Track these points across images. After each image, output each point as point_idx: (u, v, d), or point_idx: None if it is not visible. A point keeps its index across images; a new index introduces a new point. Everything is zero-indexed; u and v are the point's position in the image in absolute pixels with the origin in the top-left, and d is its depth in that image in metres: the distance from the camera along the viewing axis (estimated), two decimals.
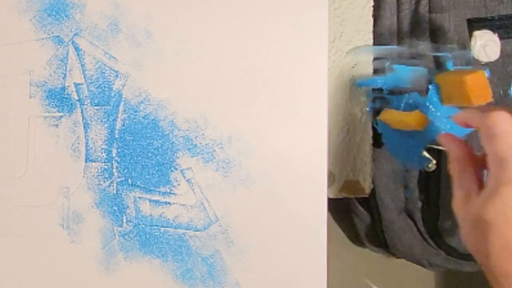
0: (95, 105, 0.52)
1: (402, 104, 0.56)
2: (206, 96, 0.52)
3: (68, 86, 0.52)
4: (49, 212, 0.52)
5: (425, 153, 0.56)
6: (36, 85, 0.52)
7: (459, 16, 0.58)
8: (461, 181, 0.45)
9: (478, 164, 0.46)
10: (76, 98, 0.52)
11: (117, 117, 0.53)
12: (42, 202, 0.52)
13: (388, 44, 0.59)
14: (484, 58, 0.53)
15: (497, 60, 0.54)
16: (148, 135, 0.53)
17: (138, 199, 0.52)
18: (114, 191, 0.52)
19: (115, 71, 0.53)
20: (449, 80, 0.54)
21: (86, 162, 0.52)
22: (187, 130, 0.53)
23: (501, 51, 0.54)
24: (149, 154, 0.52)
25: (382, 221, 0.64)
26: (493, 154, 0.42)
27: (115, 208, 0.52)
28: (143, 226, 0.52)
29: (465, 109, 0.47)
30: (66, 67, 0.52)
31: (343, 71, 0.56)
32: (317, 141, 0.53)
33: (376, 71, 0.57)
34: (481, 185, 0.44)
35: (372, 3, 0.57)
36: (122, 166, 0.52)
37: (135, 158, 0.52)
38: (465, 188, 0.45)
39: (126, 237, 0.52)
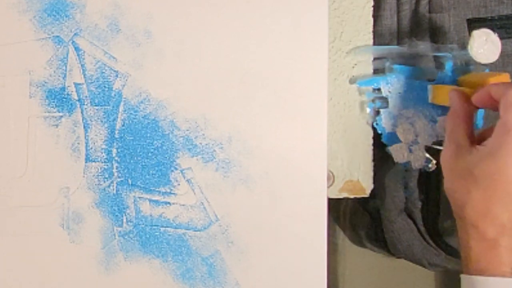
0: (95, 105, 0.52)
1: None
2: (206, 96, 0.52)
3: (68, 86, 0.52)
4: (49, 212, 0.52)
5: (425, 153, 0.56)
6: (36, 85, 0.52)
7: (459, 16, 0.58)
8: (454, 135, 0.49)
9: (472, 122, 0.50)
10: (76, 98, 0.52)
11: (117, 117, 0.53)
12: (42, 202, 0.52)
13: (388, 44, 0.59)
14: (482, 59, 0.53)
15: (497, 60, 0.54)
16: (148, 135, 0.53)
17: (138, 199, 0.52)
18: (114, 191, 0.52)
19: (115, 71, 0.53)
20: (472, 83, 0.53)
21: (86, 162, 0.52)
22: (187, 130, 0.53)
23: (501, 51, 0.53)
24: (149, 154, 0.52)
25: (382, 221, 0.64)
26: (505, 120, 0.45)
27: (115, 208, 0.52)
28: (143, 226, 0.52)
29: (486, 86, 0.49)
30: (66, 67, 0.52)
31: (343, 71, 0.56)
32: (316, 141, 0.53)
33: (376, 71, 0.57)
34: (472, 142, 0.48)
35: (372, 3, 0.57)
36: (122, 166, 0.52)
37: (135, 158, 0.52)
38: (457, 142, 0.48)
39: (126, 237, 0.52)
